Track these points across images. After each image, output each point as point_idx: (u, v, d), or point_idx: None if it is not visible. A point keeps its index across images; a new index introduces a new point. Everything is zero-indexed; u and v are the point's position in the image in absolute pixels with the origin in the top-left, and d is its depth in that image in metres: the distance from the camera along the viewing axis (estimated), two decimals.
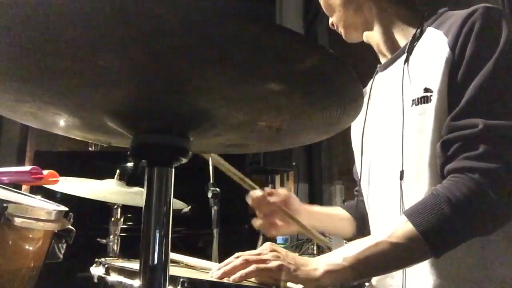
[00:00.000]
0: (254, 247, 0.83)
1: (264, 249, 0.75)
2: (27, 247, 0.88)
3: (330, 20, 1.03)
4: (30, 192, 1.58)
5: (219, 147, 0.65)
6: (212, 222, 1.57)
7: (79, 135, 0.60)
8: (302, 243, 2.38)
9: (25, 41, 0.34)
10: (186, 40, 0.33)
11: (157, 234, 0.45)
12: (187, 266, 0.92)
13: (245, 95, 0.43)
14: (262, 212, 1.01)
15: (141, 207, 0.46)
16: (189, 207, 1.42)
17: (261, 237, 2.75)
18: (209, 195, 1.56)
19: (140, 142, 0.47)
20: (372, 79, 1.05)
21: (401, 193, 0.83)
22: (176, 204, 1.43)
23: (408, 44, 0.88)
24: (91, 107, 0.47)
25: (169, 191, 0.47)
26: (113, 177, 1.45)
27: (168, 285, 0.46)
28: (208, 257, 1.39)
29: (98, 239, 1.47)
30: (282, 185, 3.35)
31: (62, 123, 0.53)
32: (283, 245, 2.00)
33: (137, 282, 0.66)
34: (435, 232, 0.69)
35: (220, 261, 0.85)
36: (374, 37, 0.98)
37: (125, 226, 1.61)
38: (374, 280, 0.97)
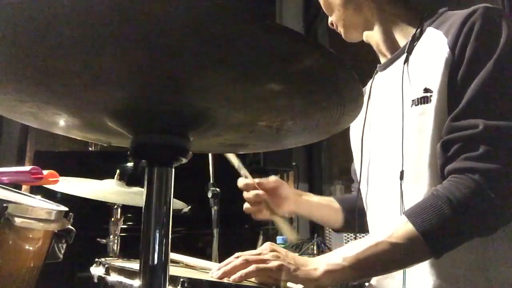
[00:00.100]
0: (254, 247, 0.83)
1: (264, 249, 0.75)
2: (27, 247, 0.88)
3: (330, 19, 1.03)
4: (30, 192, 1.58)
5: (219, 147, 0.65)
6: (212, 222, 1.57)
7: (79, 135, 0.60)
8: (302, 243, 2.38)
9: (25, 41, 0.34)
10: (186, 40, 0.33)
11: (157, 234, 0.45)
12: (187, 266, 0.92)
13: (245, 95, 0.43)
14: (250, 199, 1.03)
15: (141, 207, 0.46)
16: (189, 207, 1.42)
17: (261, 237, 2.75)
18: (209, 195, 1.56)
19: (140, 142, 0.47)
20: (371, 79, 1.05)
21: (401, 193, 0.83)
22: (176, 204, 1.43)
23: (408, 44, 0.88)
24: (91, 107, 0.47)
25: (169, 191, 0.47)
26: (113, 177, 1.45)
27: (168, 285, 0.46)
28: (208, 257, 1.39)
29: (98, 239, 1.46)
30: None
31: (62, 123, 0.53)
32: (283, 245, 1.99)
33: (137, 282, 0.66)
34: (435, 232, 0.69)
35: (220, 261, 0.85)
36: (374, 36, 0.98)
37: (125, 226, 1.61)
38: (374, 280, 0.96)
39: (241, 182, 1.03)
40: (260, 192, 1.01)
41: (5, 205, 0.78)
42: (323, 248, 2.18)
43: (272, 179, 1.06)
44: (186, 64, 0.37)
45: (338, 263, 0.71)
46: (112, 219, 1.41)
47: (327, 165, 3.42)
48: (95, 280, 0.77)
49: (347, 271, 0.70)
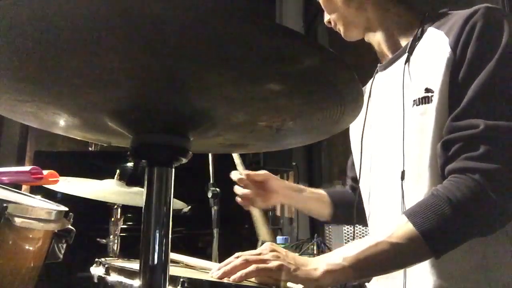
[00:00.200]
0: (254, 247, 0.83)
1: (264, 249, 0.75)
2: (27, 247, 0.88)
3: (326, 17, 1.02)
4: (30, 192, 1.58)
5: (219, 147, 0.65)
6: (212, 222, 1.57)
7: (79, 135, 0.60)
8: (302, 243, 2.38)
9: (25, 41, 0.34)
10: (186, 40, 0.33)
11: (157, 234, 0.45)
12: (187, 266, 0.92)
13: (245, 95, 0.43)
14: (239, 195, 1.09)
15: (141, 207, 0.46)
16: (189, 207, 1.42)
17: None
18: (209, 195, 1.56)
19: (140, 142, 0.47)
20: (372, 78, 1.05)
21: (402, 193, 0.83)
22: (176, 204, 1.43)
23: (409, 44, 0.88)
24: (91, 107, 0.47)
25: (169, 191, 0.47)
26: (113, 177, 1.45)
27: (168, 285, 0.46)
28: (208, 257, 1.39)
29: (98, 239, 1.47)
30: None
31: (62, 123, 0.53)
32: (283, 245, 2.00)
33: (137, 282, 0.66)
34: (435, 232, 0.69)
35: (220, 261, 0.85)
36: (375, 36, 0.98)
37: (125, 226, 1.61)
38: (375, 280, 0.97)
39: (234, 176, 1.08)
40: (248, 191, 1.07)
41: (5, 205, 0.78)
42: (323, 248, 2.18)
43: (261, 172, 1.09)
44: (186, 64, 0.37)
45: (338, 263, 0.70)
46: (112, 219, 1.41)
47: (327, 165, 3.42)
48: (95, 280, 0.77)
49: (347, 271, 0.70)
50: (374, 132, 0.99)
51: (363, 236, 1.05)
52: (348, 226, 2.27)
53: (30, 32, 0.33)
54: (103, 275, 0.75)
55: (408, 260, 0.73)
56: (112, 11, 0.30)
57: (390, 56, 0.97)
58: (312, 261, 0.74)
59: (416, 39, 0.87)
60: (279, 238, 2.10)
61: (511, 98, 0.73)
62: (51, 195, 1.47)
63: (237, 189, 1.09)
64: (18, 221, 0.81)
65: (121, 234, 1.43)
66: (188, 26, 0.32)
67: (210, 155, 1.47)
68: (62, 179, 1.17)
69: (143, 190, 0.46)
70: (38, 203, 1.05)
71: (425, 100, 0.80)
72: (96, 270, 0.80)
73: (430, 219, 0.69)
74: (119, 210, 1.42)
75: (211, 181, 1.58)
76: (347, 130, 1.16)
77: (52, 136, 3.33)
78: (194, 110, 0.45)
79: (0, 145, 3.03)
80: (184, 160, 0.48)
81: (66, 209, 1.01)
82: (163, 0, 0.30)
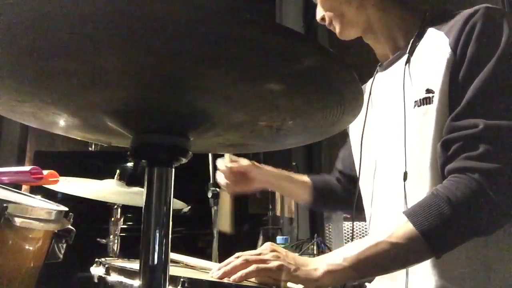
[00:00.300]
0: (254, 247, 0.83)
1: (264, 249, 0.75)
2: (27, 247, 0.88)
3: (320, 14, 0.99)
4: (30, 192, 1.58)
5: (219, 147, 0.65)
6: (212, 222, 1.57)
7: (79, 135, 0.60)
8: (302, 243, 2.38)
9: (25, 41, 0.34)
10: (186, 40, 0.33)
11: (157, 234, 0.45)
12: (187, 266, 0.92)
13: (245, 95, 0.43)
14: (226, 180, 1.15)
15: (141, 207, 0.46)
16: (189, 207, 1.42)
17: (261, 237, 2.75)
18: (209, 195, 1.56)
19: (140, 142, 0.47)
20: (372, 78, 1.04)
21: (405, 194, 0.83)
22: (176, 204, 1.43)
23: (410, 45, 0.88)
24: (91, 107, 0.47)
25: (169, 191, 0.47)
26: (113, 177, 1.45)
27: (168, 285, 0.46)
28: (208, 257, 1.39)
29: (98, 239, 1.47)
30: None
31: (62, 123, 0.53)
32: (283, 245, 2.00)
33: (137, 282, 0.66)
34: (435, 232, 0.69)
35: (220, 261, 0.85)
36: (375, 36, 0.97)
37: (125, 226, 1.61)
38: (376, 280, 0.96)
39: (219, 164, 1.14)
40: (227, 181, 1.14)
41: (5, 205, 0.78)
42: (323, 248, 2.18)
43: (244, 164, 1.13)
44: (186, 64, 0.37)
45: (338, 263, 0.70)
46: (112, 219, 1.41)
47: (327, 165, 3.42)
48: (95, 280, 0.77)
49: (347, 271, 0.70)
50: (374, 133, 0.98)
51: (362, 236, 1.05)
52: (348, 226, 2.27)
53: (30, 32, 0.33)
54: (103, 275, 0.75)
55: (409, 260, 0.73)
56: (112, 11, 0.30)
57: (390, 56, 0.97)
58: (312, 261, 0.74)
59: (416, 40, 0.87)
60: (279, 238, 2.10)
61: (510, 98, 0.73)
62: (51, 195, 1.47)
63: (219, 178, 1.15)
64: (18, 221, 0.81)
65: (121, 234, 1.43)
66: (188, 26, 0.32)
67: (210, 155, 1.47)
68: (62, 179, 1.17)
69: (143, 190, 0.46)
70: (38, 203, 1.05)
71: (426, 101, 0.80)
72: (96, 270, 0.80)
73: (430, 218, 0.69)
74: (119, 210, 1.42)
75: (211, 181, 1.58)
76: (347, 130, 1.16)
77: (52, 136, 3.33)
78: (194, 110, 0.45)
79: (0, 145, 3.03)
80: (184, 160, 0.48)
81: (66, 209, 1.01)
82: (163, 0, 0.30)
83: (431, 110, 0.79)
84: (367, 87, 1.05)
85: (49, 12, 0.30)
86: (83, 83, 0.41)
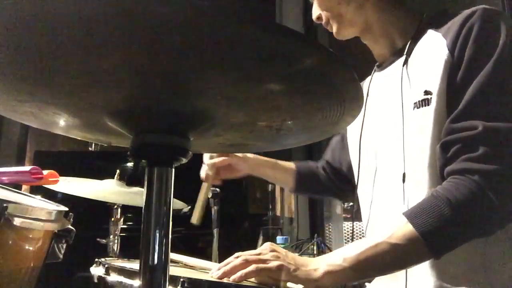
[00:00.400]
0: (254, 247, 0.83)
1: (264, 249, 0.75)
2: (27, 247, 0.88)
3: (316, 13, 0.98)
4: (30, 192, 1.58)
5: (219, 147, 0.65)
6: (212, 222, 1.57)
7: (79, 135, 0.60)
8: (302, 243, 2.38)
9: (25, 41, 0.34)
10: (186, 40, 0.33)
11: (157, 234, 0.45)
12: (186, 266, 0.92)
13: (245, 95, 0.43)
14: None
15: (141, 207, 0.46)
16: (189, 207, 1.42)
17: (261, 237, 2.75)
18: (209, 195, 1.56)
19: (140, 142, 0.47)
20: (370, 77, 1.04)
21: (404, 195, 0.83)
22: (176, 204, 1.43)
23: (407, 46, 0.88)
24: (91, 107, 0.47)
25: (169, 191, 0.47)
26: (113, 177, 1.45)
27: (168, 285, 0.46)
28: (208, 257, 1.39)
29: (98, 239, 1.47)
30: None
31: (62, 123, 0.53)
32: (283, 245, 1.99)
33: (137, 282, 0.66)
34: (435, 233, 0.69)
35: (220, 261, 0.85)
36: (373, 37, 0.97)
37: (125, 226, 1.61)
38: (375, 281, 0.97)
39: (204, 158, 1.16)
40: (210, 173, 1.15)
41: (5, 205, 0.78)
42: (323, 248, 2.18)
43: (226, 158, 1.15)
44: (186, 64, 0.37)
45: (338, 264, 0.71)
46: (112, 219, 1.41)
47: None
48: (95, 280, 0.77)
49: (347, 272, 0.70)
50: (372, 134, 0.98)
51: (362, 236, 1.05)
52: (348, 226, 2.27)
53: (30, 32, 0.33)
54: (103, 275, 0.75)
55: (408, 261, 0.73)
56: (112, 11, 0.30)
57: (387, 56, 0.97)
58: (312, 261, 0.74)
59: (414, 41, 0.88)
60: (279, 238, 2.09)
61: (509, 99, 0.73)
62: (51, 195, 1.47)
63: (202, 172, 1.17)
64: (18, 221, 0.81)
65: (121, 234, 1.43)
66: (188, 26, 0.32)
67: None
68: (62, 179, 1.17)
69: (143, 190, 0.46)
70: (38, 203, 1.05)
71: (424, 102, 0.80)
72: (96, 270, 0.80)
73: (430, 220, 0.69)
74: (119, 210, 1.42)
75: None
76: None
77: (52, 136, 3.32)
78: (194, 110, 0.45)
79: (0, 145, 3.03)
80: (184, 160, 0.48)
81: (66, 209, 1.01)
82: (163, 0, 0.30)
83: (429, 112, 0.79)
84: (364, 86, 1.05)
85: (49, 12, 0.31)
86: (83, 83, 0.41)
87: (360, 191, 1.02)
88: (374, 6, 0.93)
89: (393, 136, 0.88)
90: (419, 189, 0.80)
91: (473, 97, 0.73)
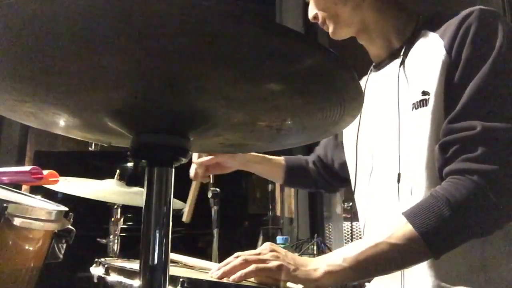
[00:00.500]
0: (254, 247, 0.83)
1: (263, 249, 0.75)
2: (27, 247, 0.88)
3: (312, 12, 0.98)
4: (30, 192, 1.58)
5: (219, 147, 0.65)
6: (212, 222, 1.57)
7: (79, 135, 0.60)
8: (302, 243, 2.38)
9: (25, 41, 0.34)
10: (186, 40, 0.33)
11: (157, 234, 0.45)
12: (186, 266, 0.92)
13: (245, 95, 0.43)
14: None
15: (141, 207, 0.46)
16: None
17: (261, 237, 2.75)
18: (209, 195, 1.57)
19: (140, 142, 0.47)
20: (366, 77, 1.04)
21: (398, 196, 0.83)
22: (176, 204, 1.43)
23: (404, 46, 0.88)
24: (91, 107, 0.47)
25: (169, 191, 0.47)
26: (113, 177, 1.45)
27: (168, 285, 0.46)
28: (208, 257, 1.39)
29: (98, 239, 1.47)
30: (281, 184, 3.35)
31: (62, 123, 0.53)
32: (283, 245, 1.99)
33: (137, 282, 0.66)
34: (435, 233, 0.69)
35: (220, 261, 0.85)
36: (369, 37, 0.97)
37: (125, 226, 1.61)
38: (374, 280, 0.97)
39: (193, 158, 1.17)
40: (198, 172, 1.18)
41: (5, 205, 0.78)
42: (323, 248, 2.18)
43: (213, 157, 1.16)
44: (186, 64, 0.37)
45: (338, 264, 0.71)
46: (112, 219, 1.41)
47: None
48: (95, 280, 0.77)
49: (347, 272, 0.70)
50: (368, 135, 0.98)
51: (361, 236, 1.05)
52: (348, 226, 2.27)
53: (30, 32, 0.33)
54: (103, 275, 0.75)
55: (408, 261, 0.73)
56: (112, 11, 0.30)
57: (384, 57, 0.96)
58: (312, 261, 0.74)
59: (411, 41, 0.88)
60: (279, 238, 2.09)
61: (507, 99, 0.73)
62: (51, 195, 1.47)
63: (191, 171, 1.19)
64: (18, 221, 0.81)
65: (121, 234, 1.43)
66: (188, 26, 0.32)
67: None
68: (62, 179, 1.17)
69: (143, 190, 0.46)
70: (38, 203, 1.05)
71: (422, 103, 0.80)
72: (96, 270, 0.80)
73: (430, 220, 0.69)
74: (119, 210, 1.42)
75: (211, 181, 1.59)
76: None
77: (52, 136, 3.33)
78: (194, 110, 0.45)
79: (0, 145, 3.03)
80: (184, 160, 0.48)
81: (66, 209, 1.01)
82: (163, 0, 0.30)
83: (427, 112, 0.79)
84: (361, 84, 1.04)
85: (49, 12, 0.31)
86: (83, 83, 0.41)
87: (356, 191, 1.02)
88: (371, 7, 0.93)
89: (389, 137, 0.88)
90: (415, 189, 0.80)
91: (471, 97, 0.73)
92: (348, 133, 1.08)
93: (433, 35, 0.83)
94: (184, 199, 1.46)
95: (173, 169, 0.48)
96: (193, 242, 2.48)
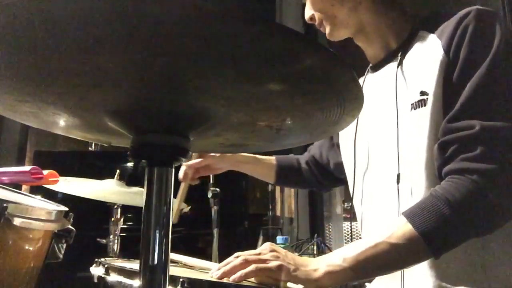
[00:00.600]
0: (254, 247, 0.83)
1: (264, 249, 0.75)
2: (27, 247, 0.88)
3: (309, 13, 0.97)
4: (30, 192, 1.58)
5: (219, 147, 0.65)
6: (212, 222, 1.57)
7: (79, 135, 0.60)
8: (302, 243, 2.38)
9: (25, 41, 0.34)
10: (186, 40, 0.33)
11: (157, 234, 0.45)
12: (186, 266, 0.92)
13: (245, 95, 0.43)
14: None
15: (141, 207, 0.46)
16: (189, 207, 1.42)
17: (261, 237, 2.75)
18: (209, 195, 1.57)
19: (140, 142, 0.47)
20: (363, 78, 1.03)
21: (398, 196, 0.83)
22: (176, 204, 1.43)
23: (401, 47, 0.88)
24: (91, 107, 0.47)
25: (169, 191, 0.47)
26: (113, 177, 1.45)
27: (168, 285, 0.46)
28: (208, 257, 1.39)
29: (98, 239, 1.47)
30: None
31: (62, 123, 0.53)
32: (283, 245, 1.99)
33: (137, 282, 0.66)
34: (435, 232, 0.69)
35: (220, 261, 0.85)
36: (366, 38, 0.96)
37: (125, 226, 1.61)
38: (375, 280, 0.97)
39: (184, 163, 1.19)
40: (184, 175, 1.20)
41: (5, 205, 0.78)
42: (323, 248, 2.18)
43: (203, 159, 1.18)
44: (186, 64, 0.37)
45: (338, 264, 0.71)
46: (112, 219, 1.41)
47: None
48: (95, 280, 0.77)
49: (347, 272, 0.70)
50: (366, 134, 0.98)
51: (360, 236, 1.05)
52: (349, 226, 2.27)
53: (30, 32, 0.33)
54: (103, 275, 0.75)
55: (408, 261, 0.73)
56: (112, 11, 0.30)
57: (381, 58, 0.96)
58: (312, 261, 0.74)
59: (408, 42, 0.88)
60: (279, 238, 2.09)
61: (505, 99, 0.73)
62: (51, 195, 1.47)
63: (180, 173, 1.20)
64: (18, 221, 0.81)
65: (121, 234, 1.43)
66: (188, 26, 0.32)
67: None
68: (62, 179, 1.17)
69: (143, 190, 0.46)
70: (38, 203, 1.05)
71: (421, 103, 0.80)
72: (96, 270, 0.80)
73: (429, 219, 0.69)
74: (119, 210, 1.42)
75: (211, 181, 1.59)
76: None
77: (52, 136, 3.32)
78: (194, 110, 0.45)
79: (0, 145, 3.03)
80: (184, 160, 0.48)
81: (66, 209, 1.01)
82: (163, 0, 0.30)
83: (426, 112, 0.79)
84: None
85: (49, 12, 0.31)
86: (83, 83, 0.41)
87: (354, 192, 1.02)
88: (368, 8, 0.93)
89: (387, 138, 0.88)
90: (415, 189, 0.80)
91: (470, 97, 0.73)
92: (345, 135, 1.08)
93: (430, 36, 0.83)
94: (184, 199, 1.46)
95: (173, 169, 0.48)
96: (193, 242, 2.48)
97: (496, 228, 0.73)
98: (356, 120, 0.99)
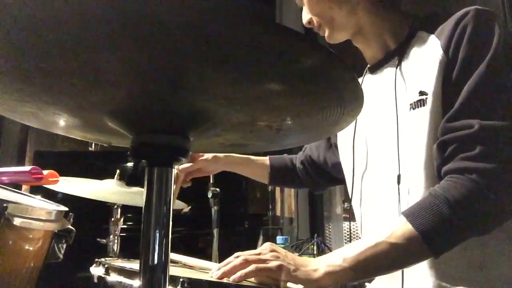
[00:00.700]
0: (254, 247, 0.83)
1: (264, 249, 0.75)
2: (27, 247, 0.88)
3: (306, 17, 0.97)
4: (30, 192, 1.58)
5: (219, 147, 0.65)
6: (212, 222, 1.57)
7: (79, 135, 0.60)
8: (302, 243, 2.38)
9: (25, 41, 0.34)
10: (186, 40, 0.33)
11: (157, 234, 0.45)
12: (186, 266, 0.92)
13: (245, 95, 0.43)
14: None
15: (141, 207, 0.46)
16: (189, 207, 1.43)
17: (261, 237, 2.75)
18: (209, 195, 1.57)
19: (140, 142, 0.47)
20: (361, 79, 1.03)
21: (399, 197, 0.83)
22: (176, 204, 1.43)
23: (400, 48, 0.88)
24: (91, 107, 0.47)
25: (169, 191, 0.47)
26: (113, 177, 1.45)
27: (168, 285, 0.46)
28: (208, 257, 1.39)
29: (98, 239, 1.46)
30: None
31: (62, 123, 0.53)
32: (283, 245, 1.99)
33: (137, 282, 0.66)
34: (434, 232, 0.69)
35: (220, 261, 0.85)
36: (365, 40, 0.96)
37: (125, 226, 1.61)
38: (376, 280, 0.97)
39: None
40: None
41: (5, 205, 0.78)
42: (323, 248, 2.18)
43: (195, 164, 1.18)
44: (186, 64, 0.37)
45: (338, 264, 0.71)
46: (112, 219, 1.41)
47: None
48: (95, 280, 0.77)
49: (347, 272, 0.70)
50: (365, 136, 0.98)
51: (359, 236, 1.05)
52: (348, 226, 2.27)
53: (30, 32, 0.33)
54: (103, 275, 0.75)
55: (408, 260, 0.73)
56: (112, 11, 0.30)
57: (379, 59, 0.96)
58: (312, 261, 0.74)
59: (406, 43, 0.88)
60: (279, 238, 2.09)
61: (504, 98, 0.74)
62: (51, 195, 1.47)
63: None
64: (18, 221, 0.81)
65: (121, 234, 1.43)
66: (188, 26, 0.32)
67: None
68: (62, 179, 1.17)
69: (143, 190, 0.46)
70: (38, 203, 1.05)
71: (420, 103, 0.80)
72: (96, 270, 0.80)
73: (429, 219, 0.69)
74: (119, 210, 1.42)
75: (211, 181, 1.59)
76: None
77: (52, 136, 3.33)
78: (194, 110, 0.45)
79: (0, 145, 3.03)
80: (184, 160, 0.48)
81: (66, 209, 1.01)
82: (163, 0, 0.30)
83: (425, 112, 0.79)
84: None
85: (49, 12, 0.31)
86: (83, 83, 0.41)
87: (353, 193, 1.02)
88: (366, 10, 0.93)
89: (387, 138, 0.88)
90: (415, 189, 0.81)
91: (469, 96, 0.74)
92: (343, 135, 1.08)
93: (429, 36, 0.83)
94: (184, 199, 1.46)
95: (173, 169, 0.48)
96: (193, 242, 2.48)
97: (496, 227, 0.73)
98: (354, 121, 0.99)
